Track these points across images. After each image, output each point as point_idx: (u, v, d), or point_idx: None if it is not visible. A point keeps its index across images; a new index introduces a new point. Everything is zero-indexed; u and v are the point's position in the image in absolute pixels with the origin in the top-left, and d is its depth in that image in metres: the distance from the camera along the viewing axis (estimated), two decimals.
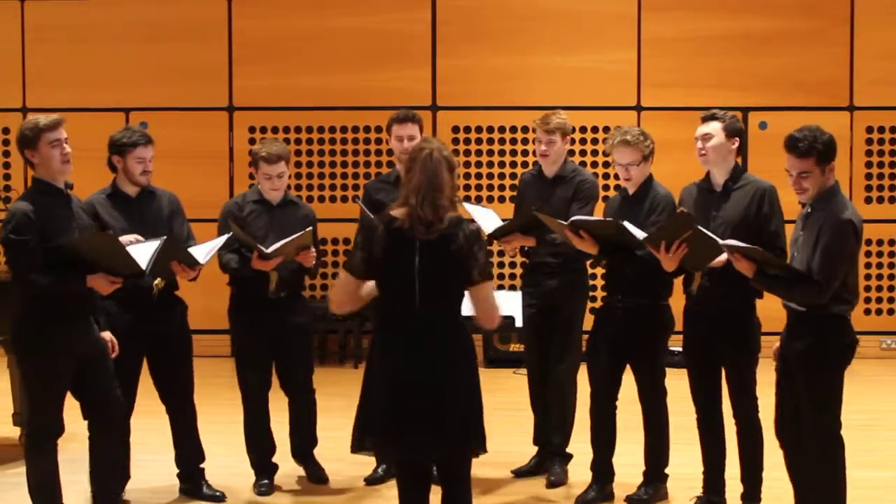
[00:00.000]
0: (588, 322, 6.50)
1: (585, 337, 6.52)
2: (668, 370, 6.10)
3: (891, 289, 10.70)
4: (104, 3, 10.74)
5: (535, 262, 6.58)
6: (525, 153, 10.52)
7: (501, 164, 10.63)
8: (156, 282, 5.86)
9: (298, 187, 10.53)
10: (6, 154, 10.72)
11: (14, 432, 7.25)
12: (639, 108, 10.58)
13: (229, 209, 6.40)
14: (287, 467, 6.62)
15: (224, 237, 6.08)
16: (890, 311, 10.70)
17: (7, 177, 10.69)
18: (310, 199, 10.35)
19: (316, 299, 10.50)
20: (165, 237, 5.60)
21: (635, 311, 5.93)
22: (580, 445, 6.44)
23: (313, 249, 6.20)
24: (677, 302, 5.89)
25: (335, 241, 10.62)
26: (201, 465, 6.27)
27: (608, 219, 5.89)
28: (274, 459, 6.52)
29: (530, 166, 6.81)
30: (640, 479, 6.13)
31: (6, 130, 10.65)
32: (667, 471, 6.14)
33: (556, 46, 10.61)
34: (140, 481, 6.26)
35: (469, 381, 4.52)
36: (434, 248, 4.43)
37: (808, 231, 5.07)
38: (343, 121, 10.72)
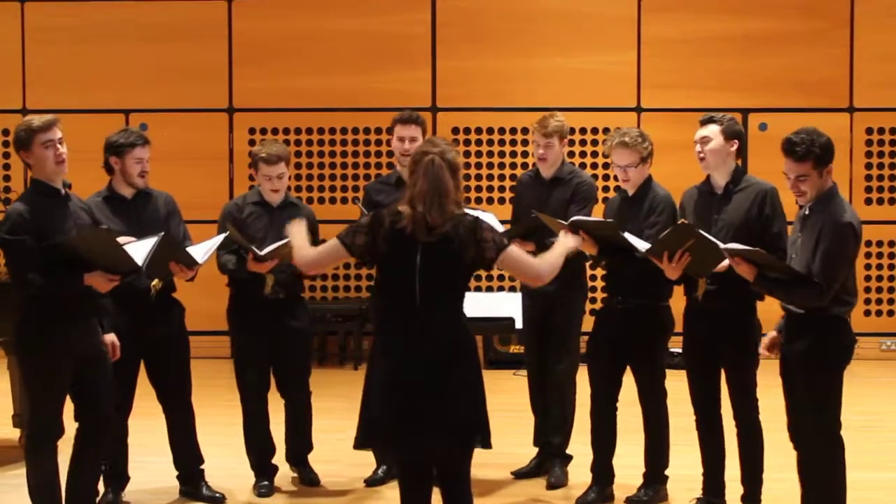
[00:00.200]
0: (587, 323, 6.50)
1: (584, 338, 6.52)
2: (667, 371, 6.09)
3: (891, 290, 10.70)
4: (104, 4, 10.74)
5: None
6: (525, 154, 10.52)
7: (501, 166, 10.64)
8: (153, 283, 5.85)
9: (298, 188, 10.53)
10: (6, 156, 10.72)
11: (14, 434, 7.25)
12: (639, 110, 10.59)
13: (229, 210, 6.41)
14: (287, 469, 6.62)
15: (221, 236, 6.07)
16: (890, 313, 10.70)
17: (7, 178, 10.69)
18: (309, 200, 10.35)
19: (316, 301, 10.50)
20: (162, 234, 5.59)
21: (635, 312, 5.93)
22: (580, 447, 6.44)
23: None
24: (677, 303, 5.89)
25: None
26: (201, 467, 6.26)
27: (608, 220, 5.89)
28: (273, 461, 6.52)
29: (530, 167, 6.80)
30: (639, 481, 6.13)
31: (6, 132, 10.65)
32: (667, 472, 6.14)
33: (556, 48, 10.61)
34: (140, 483, 6.26)
35: (471, 380, 4.52)
36: (435, 249, 4.44)
37: (806, 233, 5.07)
38: (343, 122, 10.72)
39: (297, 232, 4.71)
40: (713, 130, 5.65)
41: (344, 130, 10.75)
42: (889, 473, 6.85)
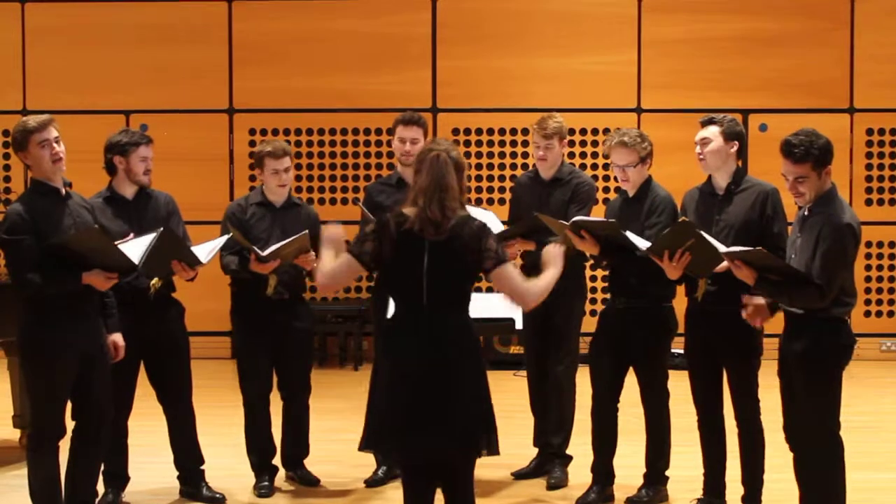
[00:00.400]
0: (587, 324, 6.50)
1: (584, 339, 6.53)
2: (669, 372, 6.09)
3: (891, 291, 10.70)
4: (105, 5, 10.75)
5: (533, 265, 6.57)
6: (525, 155, 10.52)
7: (502, 167, 10.64)
8: (153, 282, 5.86)
9: (299, 189, 10.53)
10: (6, 157, 10.72)
11: (14, 434, 7.25)
12: (639, 111, 10.59)
13: (231, 211, 6.42)
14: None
15: (224, 237, 6.10)
16: (890, 314, 10.70)
17: (7, 179, 10.69)
18: (310, 201, 10.34)
19: (316, 301, 10.50)
20: (161, 229, 5.59)
21: (638, 312, 5.93)
22: (580, 448, 6.44)
23: (313, 253, 6.14)
24: (679, 304, 5.89)
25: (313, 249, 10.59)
26: (201, 468, 6.26)
27: (610, 220, 5.89)
28: (273, 461, 6.51)
29: (531, 168, 6.80)
30: (640, 481, 6.13)
31: (6, 133, 10.65)
32: (667, 473, 6.14)
33: (557, 48, 10.62)
34: (139, 483, 6.26)
35: (476, 381, 4.52)
36: (443, 247, 4.44)
37: (806, 234, 5.07)
38: (343, 123, 10.73)
39: (323, 252, 4.67)
40: (713, 132, 5.66)
41: (344, 131, 10.75)
42: (889, 474, 6.85)
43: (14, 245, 5.19)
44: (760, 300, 5.21)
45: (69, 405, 5.42)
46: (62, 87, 10.60)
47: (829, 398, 5.09)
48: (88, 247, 5.21)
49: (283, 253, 6.03)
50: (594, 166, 10.55)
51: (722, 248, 5.24)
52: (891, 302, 10.70)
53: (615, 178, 10.37)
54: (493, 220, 6.45)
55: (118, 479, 6.08)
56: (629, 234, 5.65)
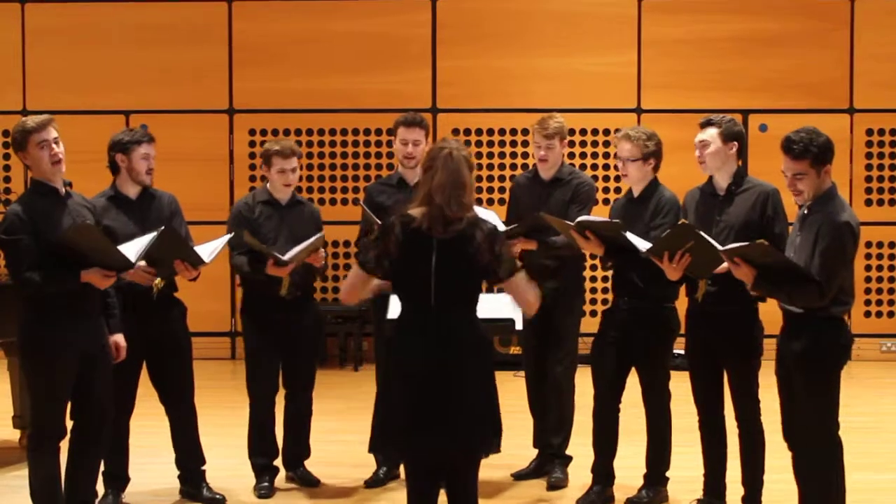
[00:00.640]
0: (587, 324, 6.49)
1: (584, 339, 6.53)
2: (671, 373, 6.09)
3: (891, 291, 10.70)
4: (105, 5, 10.75)
5: (532, 265, 6.56)
6: (525, 155, 10.52)
7: (502, 167, 10.64)
8: (155, 281, 5.86)
9: (299, 189, 10.46)
10: (6, 157, 10.72)
11: (14, 435, 7.25)
12: (639, 111, 10.59)
13: (239, 211, 6.41)
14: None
15: (227, 237, 6.13)
16: (890, 314, 10.70)
17: (7, 179, 10.70)
18: (310, 201, 10.34)
19: (316, 302, 10.49)
20: (163, 228, 5.60)
21: (641, 313, 5.93)
22: (580, 448, 6.44)
23: (322, 250, 6.25)
24: (680, 305, 5.90)
25: (335, 244, 10.62)
26: (202, 468, 6.26)
27: (614, 220, 5.89)
28: (275, 462, 6.51)
29: (531, 168, 6.80)
30: (640, 482, 6.13)
31: (6, 133, 10.64)
32: (667, 473, 6.14)
33: (557, 48, 10.62)
34: (140, 484, 6.26)
35: (484, 381, 4.53)
36: (451, 247, 4.44)
37: (805, 233, 5.08)
38: (343, 123, 10.73)
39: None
40: (711, 134, 5.65)
41: (344, 131, 10.75)
42: (890, 475, 6.85)
43: (12, 245, 5.20)
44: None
45: (69, 405, 5.43)
46: (62, 87, 10.60)
47: (828, 398, 5.10)
48: (85, 243, 5.21)
49: (300, 256, 6.07)
50: (594, 166, 10.56)
51: (720, 247, 5.23)
52: (891, 302, 10.70)
53: (615, 179, 10.50)
54: (495, 219, 6.44)
55: (118, 479, 6.08)
56: (629, 235, 5.65)
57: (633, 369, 6.06)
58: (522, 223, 6.27)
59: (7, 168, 10.74)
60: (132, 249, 5.39)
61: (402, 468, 6.49)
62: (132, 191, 6.01)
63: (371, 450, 6.57)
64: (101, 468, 5.78)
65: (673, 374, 6.08)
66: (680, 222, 5.58)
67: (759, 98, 10.50)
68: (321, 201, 10.59)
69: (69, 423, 5.45)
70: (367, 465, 6.62)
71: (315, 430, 6.62)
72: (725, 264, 5.28)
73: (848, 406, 5.20)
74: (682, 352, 5.90)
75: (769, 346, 5.49)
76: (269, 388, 6.41)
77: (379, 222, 6.08)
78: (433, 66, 10.70)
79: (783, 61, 10.54)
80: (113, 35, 10.69)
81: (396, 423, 4.52)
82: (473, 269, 4.47)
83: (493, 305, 4.68)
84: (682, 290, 5.86)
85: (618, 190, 10.47)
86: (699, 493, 5.90)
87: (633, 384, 6.07)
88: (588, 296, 10.14)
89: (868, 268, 10.60)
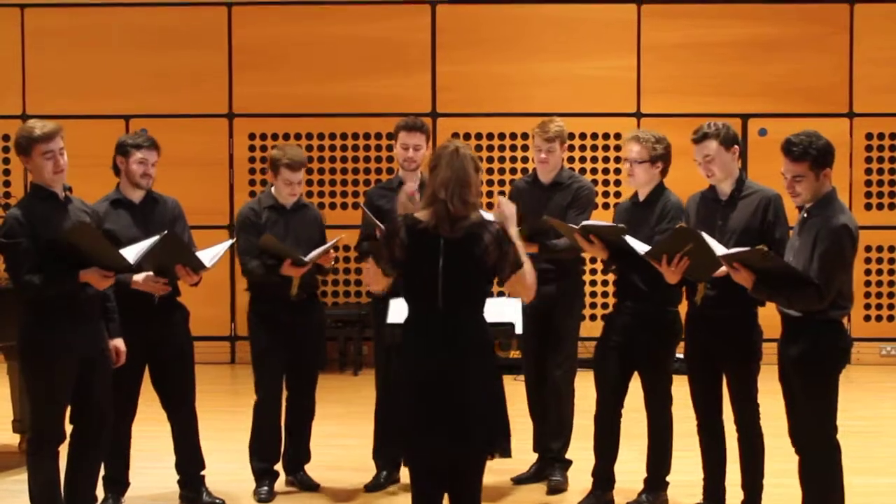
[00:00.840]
0: (590, 328, 6.49)
1: (582, 343, 6.52)
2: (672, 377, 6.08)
3: (891, 295, 10.70)
4: (104, 9, 10.76)
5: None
6: (525, 160, 10.52)
7: (501, 171, 10.64)
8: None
9: None
10: (6, 161, 10.72)
11: (14, 439, 7.25)
12: (638, 115, 10.60)
13: (248, 217, 6.41)
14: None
15: (229, 242, 6.16)
16: (890, 318, 10.70)
17: (7, 183, 10.69)
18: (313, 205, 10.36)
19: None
20: (166, 232, 5.63)
21: (644, 317, 5.93)
22: (580, 452, 6.44)
23: (332, 251, 6.34)
24: (681, 309, 5.89)
25: (334, 248, 10.59)
26: (201, 473, 6.25)
27: (619, 225, 5.88)
28: (275, 466, 6.51)
29: (530, 172, 6.80)
30: (639, 486, 6.12)
31: (6, 137, 10.65)
32: (667, 478, 6.13)
33: (556, 53, 10.63)
34: (140, 489, 6.25)
35: (491, 383, 4.53)
36: (459, 247, 4.44)
37: (804, 236, 5.09)
38: (343, 128, 10.73)
39: (368, 267, 4.70)
40: (712, 147, 5.61)
41: (344, 136, 10.76)
42: (890, 479, 6.85)
43: (11, 248, 5.21)
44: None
45: (69, 409, 5.42)
46: (62, 91, 10.61)
47: (826, 401, 5.10)
48: (84, 242, 5.21)
49: (318, 257, 6.12)
50: (594, 170, 10.56)
51: (720, 252, 5.23)
52: (890, 307, 10.70)
53: (615, 183, 10.50)
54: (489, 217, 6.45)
55: (118, 484, 6.07)
56: (629, 239, 5.64)
57: (636, 373, 6.05)
58: (526, 226, 6.26)
59: (7, 172, 10.73)
60: (132, 252, 5.40)
61: (402, 472, 6.52)
62: (135, 195, 6.01)
63: (375, 455, 6.58)
64: (101, 472, 5.78)
65: (673, 378, 6.08)
66: (678, 225, 5.57)
67: (758, 102, 10.50)
68: (321, 205, 10.58)
69: (69, 428, 5.45)
70: (367, 469, 6.62)
71: (315, 435, 6.62)
72: (724, 268, 5.28)
73: (848, 410, 5.20)
74: (682, 356, 5.89)
75: (768, 349, 5.49)
76: (276, 388, 6.42)
77: (380, 225, 6.11)
78: (433, 70, 10.71)
79: (783, 66, 10.55)
80: (113, 39, 10.70)
81: (402, 424, 4.51)
82: (481, 269, 4.47)
83: (494, 309, 4.67)
84: (684, 293, 5.86)
85: (618, 194, 10.48)
86: (699, 498, 5.89)
87: (632, 388, 6.07)
88: (588, 300, 10.15)
89: (868, 272, 10.60)
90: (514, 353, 10.04)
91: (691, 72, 10.58)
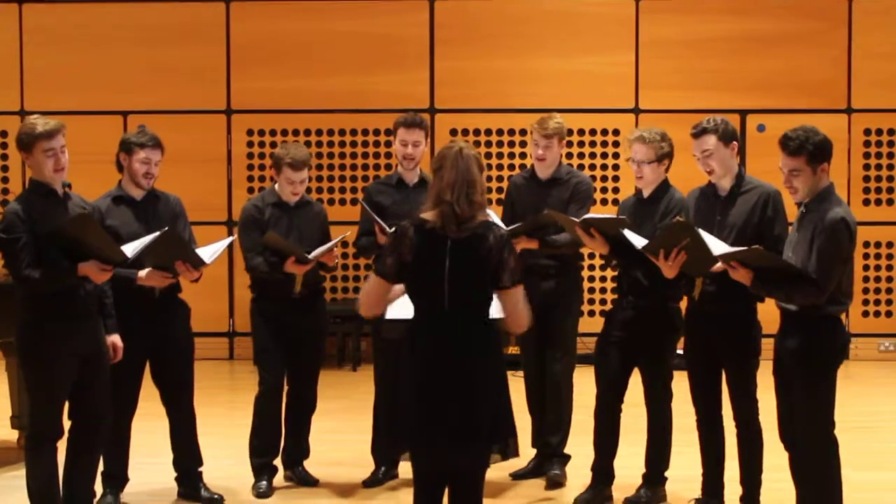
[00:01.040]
0: (589, 324, 6.49)
1: (581, 339, 6.51)
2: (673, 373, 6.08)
3: (889, 291, 10.70)
4: (102, 6, 10.75)
5: (532, 264, 6.57)
6: (523, 156, 10.52)
7: (500, 167, 10.64)
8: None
9: None
10: (4, 157, 10.71)
11: (13, 435, 7.25)
12: (637, 111, 10.59)
13: (251, 214, 6.41)
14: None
15: (229, 239, 6.17)
16: (888, 314, 10.71)
17: (5, 180, 10.69)
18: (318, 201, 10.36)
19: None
20: (166, 228, 5.64)
21: (645, 312, 5.93)
22: (579, 448, 6.44)
23: (335, 249, 6.34)
24: (682, 304, 5.90)
25: (340, 245, 10.59)
26: (199, 469, 6.25)
27: (619, 217, 5.88)
28: (274, 462, 6.51)
29: (528, 168, 6.80)
30: (638, 481, 6.13)
31: (4, 133, 10.64)
32: (666, 473, 6.14)
33: (554, 49, 10.62)
34: (138, 484, 6.26)
35: (497, 382, 4.53)
36: (465, 248, 4.45)
37: (802, 231, 5.10)
38: (341, 124, 10.73)
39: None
40: (711, 142, 5.61)
41: (342, 132, 10.75)
42: (887, 474, 6.85)
43: (11, 244, 5.21)
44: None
45: (67, 405, 5.43)
46: (60, 87, 10.60)
47: (824, 396, 5.11)
48: (84, 234, 5.21)
49: (321, 255, 6.11)
50: (592, 166, 10.56)
51: (717, 251, 5.23)
52: (889, 302, 10.71)
53: (613, 179, 10.50)
54: (495, 219, 6.44)
55: (117, 479, 6.08)
56: (627, 233, 5.64)
57: (637, 369, 6.06)
58: (527, 221, 6.26)
59: (5, 169, 10.72)
60: (130, 248, 5.41)
61: (401, 468, 6.52)
62: (137, 191, 6.01)
63: (374, 451, 6.58)
64: (101, 468, 5.79)
65: (673, 373, 6.08)
66: (675, 219, 5.57)
67: (756, 98, 10.50)
68: (318, 201, 10.54)
69: (67, 424, 5.45)
70: (366, 464, 6.62)
71: (313, 430, 6.62)
72: (721, 264, 5.28)
73: (845, 405, 5.20)
74: (681, 351, 5.90)
75: (767, 345, 5.49)
76: (278, 383, 6.42)
77: (379, 220, 6.11)
78: (431, 66, 10.70)
79: (781, 61, 10.54)
80: (111, 35, 10.69)
81: (407, 424, 4.51)
82: (486, 270, 4.48)
83: (493, 305, 4.68)
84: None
85: (616, 190, 10.48)
86: (697, 493, 5.90)
87: (631, 383, 6.07)
88: (586, 296, 10.15)
89: (866, 267, 10.60)
90: (513, 349, 10.05)
91: (690, 67, 10.57)
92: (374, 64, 10.66)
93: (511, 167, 10.56)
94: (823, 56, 10.56)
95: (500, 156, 10.67)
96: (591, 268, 10.44)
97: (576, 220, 5.81)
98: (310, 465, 6.61)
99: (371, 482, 6.55)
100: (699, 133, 5.65)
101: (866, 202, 10.57)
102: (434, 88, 10.69)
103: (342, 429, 7.57)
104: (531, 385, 6.69)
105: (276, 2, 10.75)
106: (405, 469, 6.31)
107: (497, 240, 4.48)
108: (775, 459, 5.65)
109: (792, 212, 5.39)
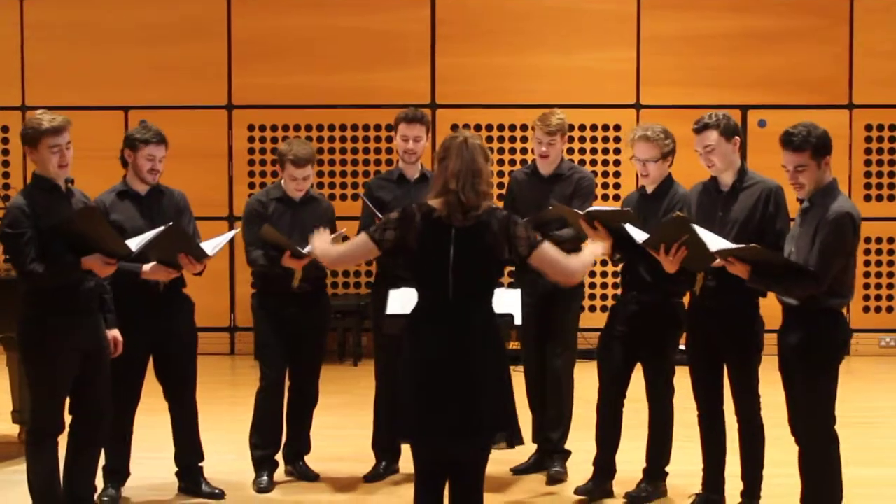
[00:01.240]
0: (592, 319, 6.48)
1: (582, 334, 6.51)
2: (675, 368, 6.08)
3: (889, 286, 10.71)
4: (103, 1, 10.74)
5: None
6: (524, 151, 10.52)
7: (500, 163, 10.63)
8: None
9: None
10: (5, 152, 10.71)
11: (13, 430, 7.25)
12: (638, 107, 10.59)
13: (254, 207, 6.42)
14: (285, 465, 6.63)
15: (232, 232, 6.18)
16: (889, 309, 10.71)
17: (6, 175, 10.69)
18: (324, 196, 10.35)
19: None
20: (171, 223, 5.65)
21: (649, 307, 5.93)
22: (580, 443, 6.45)
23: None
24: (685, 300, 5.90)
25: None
26: (200, 464, 6.26)
27: (624, 209, 5.87)
28: (276, 457, 6.52)
29: (529, 164, 6.80)
30: (639, 476, 6.13)
31: (5, 129, 10.64)
32: (666, 468, 6.14)
33: (556, 45, 10.62)
34: (139, 479, 6.26)
35: (499, 371, 4.54)
36: (470, 236, 4.45)
37: (806, 226, 5.09)
38: (342, 119, 10.73)
39: (318, 237, 4.70)
40: (713, 137, 5.60)
41: (343, 127, 10.75)
42: (888, 469, 6.85)
43: (16, 238, 5.21)
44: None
45: (68, 400, 5.43)
46: (61, 82, 10.60)
47: (824, 391, 5.11)
48: (89, 227, 5.22)
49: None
50: (593, 162, 10.56)
51: (714, 247, 5.23)
52: (889, 298, 10.71)
53: (614, 175, 10.50)
54: None
55: (119, 474, 6.08)
56: (629, 227, 5.64)
57: (639, 364, 6.06)
58: (535, 216, 6.26)
59: (6, 164, 10.72)
60: (135, 243, 5.42)
61: (401, 463, 6.52)
62: (142, 186, 6.02)
63: (374, 445, 6.59)
64: (102, 462, 5.79)
65: (675, 368, 6.08)
66: (674, 214, 5.57)
67: (758, 94, 10.50)
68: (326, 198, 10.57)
69: (68, 418, 5.45)
70: (367, 459, 6.62)
71: (314, 425, 6.62)
72: (719, 260, 5.28)
73: (846, 401, 5.20)
74: (683, 346, 5.90)
75: (769, 341, 5.49)
76: (280, 377, 6.42)
77: (380, 216, 6.10)
78: (432, 62, 10.70)
79: (782, 57, 10.54)
80: (112, 30, 10.69)
81: (409, 412, 4.51)
82: (491, 257, 4.48)
83: (495, 300, 4.68)
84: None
85: (617, 185, 10.48)
86: (698, 488, 5.90)
87: (633, 379, 6.07)
88: (587, 291, 10.15)
89: (867, 263, 10.60)
90: (514, 345, 10.05)
91: (691, 63, 10.57)
92: (376, 60, 10.65)
93: (512, 162, 10.56)
94: (825, 53, 10.56)
95: (500, 151, 10.66)
96: (593, 263, 10.42)
97: (579, 212, 5.81)
98: (311, 460, 6.62)
99: (372, 477, 6.56)
100: (701, 128, 5.64)
101: (867, 198, 10.57)
102: (435, 84, 10.69)
103: (343, 424, 7.58)
104: (532, 380, 6.69)
105: None
106: (406, 464, 6.31)
107: (501, 221, 4.48)
108: (776, 454, 5.66)
109: (794, 208, 5.39)
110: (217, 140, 10.73)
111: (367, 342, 10.19)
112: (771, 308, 5.46)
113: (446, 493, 4.66)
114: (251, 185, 10.54)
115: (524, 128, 10.41)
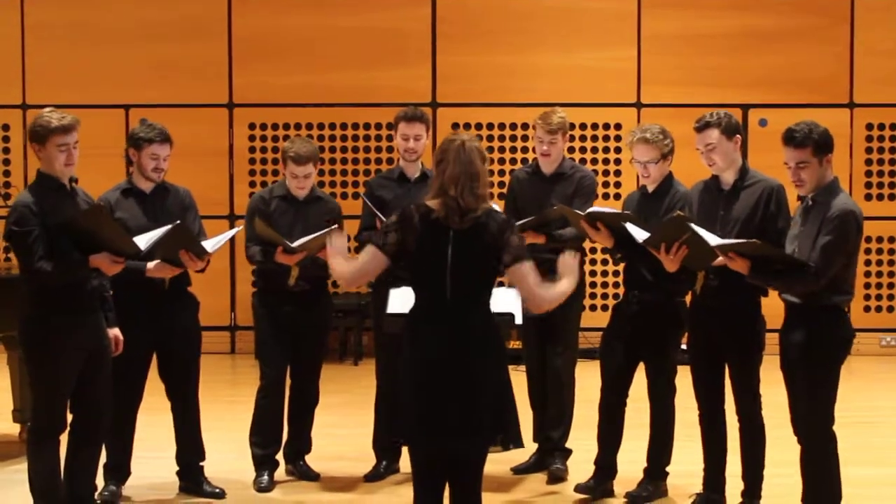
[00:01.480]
0: (594, 319, 6.48)
1: (583, 333, 6.51)
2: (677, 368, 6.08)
3: (890, 286, 10.71)
4: (104, 0, 10.73)
5: (534, 259, 6.55)
6: (525, 150, 10.52)
7: (501, 161, 10.64)
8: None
9: None
10: (6, 151, 10.71)
11: (14, 429, 7.25)
12: (639, 105, 10.59)
13: (255, 204, 6.43)
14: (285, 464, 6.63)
15: (234, 230, 6.20)
16: (889, 309, 10.71)
17: (7, 173, 10.68)
18: (331, 196, 10.35)
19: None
20: (178, 222, 5.66)
21: (651, 307, 5.93)
22: (581, 442, 6.44)
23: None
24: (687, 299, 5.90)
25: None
26: (201, 463, 6.26)
27: (625, 211, 5.88)
28: (276, 456, 6.52)
29: (530, 162, 6.80)
30: (639, 475, 6.13)
31: (6, 127, 10.64)
32: (667, 468, 6.14)
33: (557, 43, 10.62)
34: (140, 478, 6.26)
35: (498, 373, 4.53)
36: (467, 238, 4.45)
37: (808, 224, 5.10)
38: (343, 118, 10.73)
39: (335, 246, 4.66)
40: (714, 136, 5.59)
41: (344, 126, 10.76)
42: (888, 469, 6.85)
43: (24, 237, 5.20)
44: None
45: (69, 399, 5.43)
46: (62, 81, 10.60)
47: (825, 390, 5.11)
48: (97, 226, 5.22)
49: (310, 245, 6.07)
50: (594, 161, 10.56)
51: (714, 242, 5.23)
52: (890, 297, 10.71)
53: (615, 174, 10.50)
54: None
55: (120, 472, 6.08)
56: (629, 226, 5.64)
57: (641, 363, 6.06)
58: (538, 216, 6.25)
59: (7, 162, 10.72)
60: (143, 241, 5.42)
61: (402, 462, 6.52)
62: (146, 184, 6.02)
63: (375, 445, 6.59)
64: (103, 460, 5.79)
65: (677, 368, 6.08)
66: (675, 213, 5.57)
67: (758, 93, 10.50)
68: (332, 196, 10.57)
69: (69, 417, 5.45)
70: (367, 459, 6.62)
71: (315, 425, 6.62)
72: (721, 258, 5.28)
73: (847, 401, 5.20)
74: (684, 346, 5.90)
75: (771, 340, 5.49)
76: (280, 376, 6.42)
77: (380, 215, 6.10)
78: (433, 60, 10.70)
79: (783, 56, 10.54)
80: (113, 29, 10.69)
81: (408, 412, 4.51)
82: (488, 259, 4.48)
83: (494, 299, 4.68)
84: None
85: (618, 184, 10.49)
86: (699, 488, 5.90)
87: (634, 378, 6.07)
88: (588, 290, 10.14)
89: (868, 262, 10.60)
90: (514, 344, 10.04)
91: (691, 62, 10.57)
92: (376, 58, 10.65)
93: (513, 161, 10.56)
94: (825, 52, 10.56)
95: (501, 150, 10.67)
96: (593, 262, 10.44)
97: (580, 212, 5.81)
98: (311, 460, 6.62)
99: (372, 476, 6.56)
100: (702, 127, 5.64)
101: (868, 197, 10.57)
102: (436, 83, 10.69)
103: (343, 423, 7.58)
104: (533, 380, 6.69)
105: None
106: (406, 463, 6.31)
107: (499, 224, 4.49)
108: (778, 454, 5.66)
109: (795, 206, 5.39)
110: (218, 139, 10.73)
111: (368, 341, 10.20)
112: (772, 307, 5.46)
113: (446, 493, 4.66)
114: (252, 184, 10.54)
115: (525, 127, 10.41)
